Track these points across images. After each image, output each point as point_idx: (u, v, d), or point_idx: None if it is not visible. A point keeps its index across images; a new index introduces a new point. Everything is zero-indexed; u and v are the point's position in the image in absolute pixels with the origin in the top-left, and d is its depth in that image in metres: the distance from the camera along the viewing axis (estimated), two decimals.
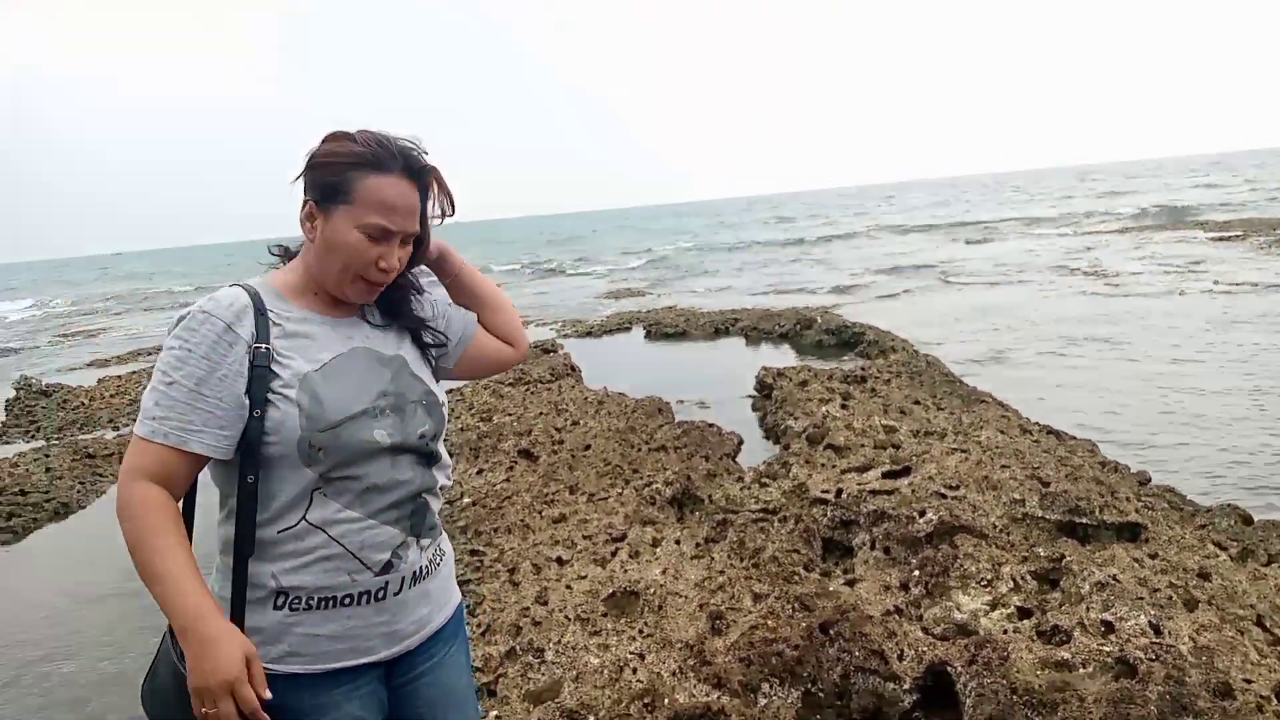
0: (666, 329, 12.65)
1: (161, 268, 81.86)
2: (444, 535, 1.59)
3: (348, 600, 1.37)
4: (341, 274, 1.41)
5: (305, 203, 1.40)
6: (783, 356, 10.17)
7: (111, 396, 10.55)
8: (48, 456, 7.45)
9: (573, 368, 9.41)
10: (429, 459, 1.49)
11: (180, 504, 1.34)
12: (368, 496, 1.37)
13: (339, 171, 1.37)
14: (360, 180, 1.37)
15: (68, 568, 5.32)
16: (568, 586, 3.63)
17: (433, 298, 1.64)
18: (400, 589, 1.43)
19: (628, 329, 13.43)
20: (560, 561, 3.90)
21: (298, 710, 1.35)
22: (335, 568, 1.35)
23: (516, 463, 5.58)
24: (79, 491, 6.66)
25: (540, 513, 4.55)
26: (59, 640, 4.26)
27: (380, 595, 1.40)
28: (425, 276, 1.64)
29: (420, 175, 1.43)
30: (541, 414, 6.81)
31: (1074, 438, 5.20)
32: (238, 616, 1.32)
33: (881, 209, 65.51)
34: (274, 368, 1.33)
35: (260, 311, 1.36)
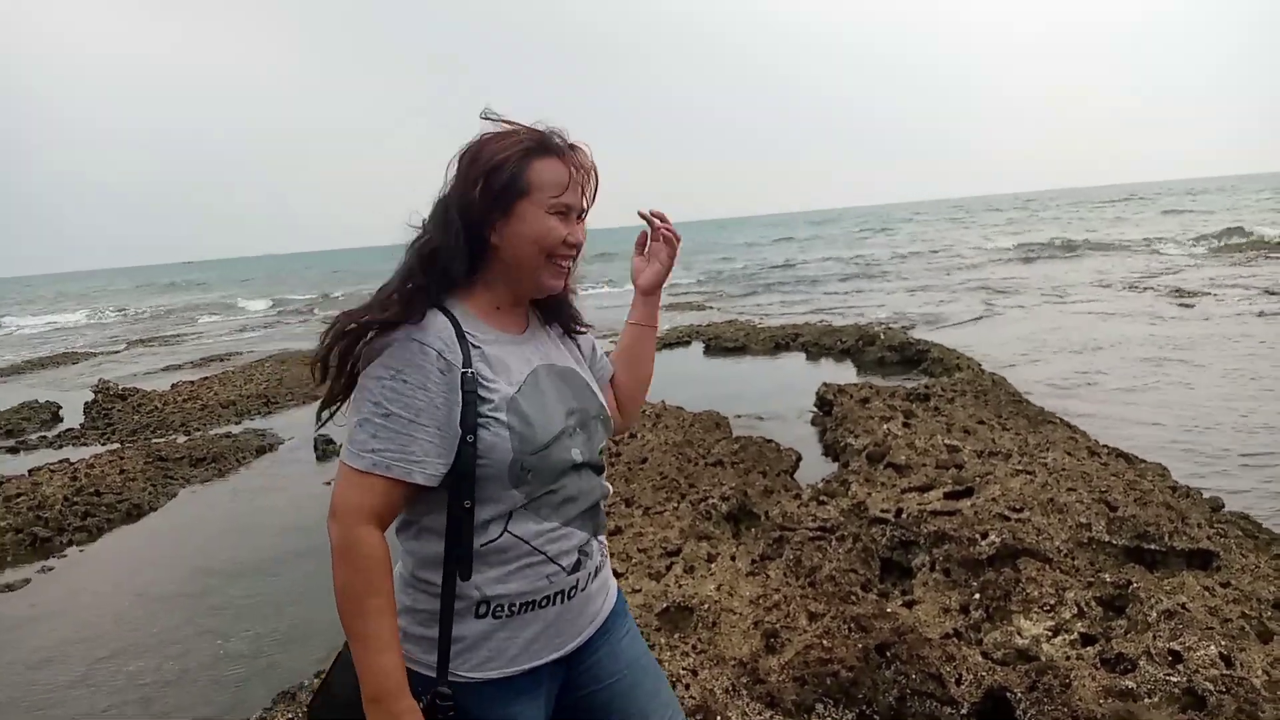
0: (726, 343, 12.60)
1: (221, 278, 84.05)
2: None
3: (545, 602, 1.41)
4: (535, 261, 1.43)
5: (490, 223, 1.39)
6: (844, 373, 10.06)
7: (184, 401, 10.92)
8: (122, 459, 7.69)
9: None
10: (601, 469, 1.53)
11: None
12: (564, 507, 1.42)
13: (512, 166, 1.38)
14: (532, 167, 1.39)
15: (138, 568, 5.48)
16: None
17: (590, 336, 1.70)
18: (587, 584, 1.49)
19: (687, 343, 13.40)
20: (615, 574, 3.91)
21: (489, 718, 1.38)
22: (536, 573, 1.39)
23: None
24: (150, 494, 6.90)
25: None
26: (127, 639, 4.40)
27: (572, 593, 1.45)
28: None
29: (569, 154, 1.44)
30: None
31: (1144, 461, 5.04)
32: (445, 631, 1.35)
33: (947, 224, 64.47)
34: (482, 392, 1.34)
35: (461, 335, 1.36)
